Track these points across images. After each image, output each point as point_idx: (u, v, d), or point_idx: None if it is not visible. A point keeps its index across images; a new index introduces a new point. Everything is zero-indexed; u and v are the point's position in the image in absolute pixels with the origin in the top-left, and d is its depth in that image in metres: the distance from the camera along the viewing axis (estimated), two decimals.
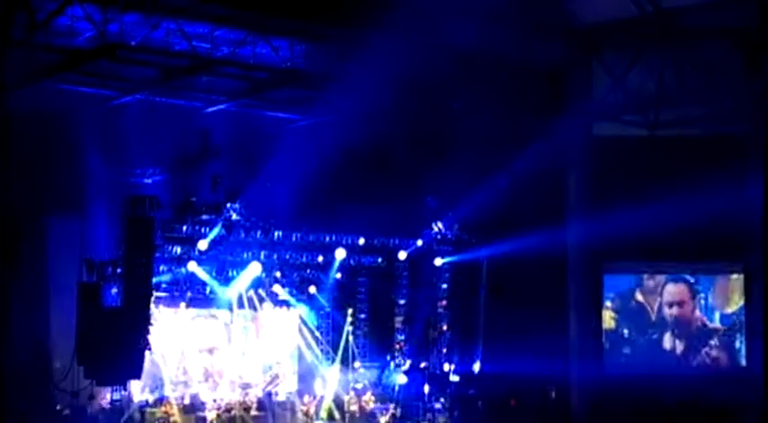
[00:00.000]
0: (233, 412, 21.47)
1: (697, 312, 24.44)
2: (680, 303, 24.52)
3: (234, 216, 21.56)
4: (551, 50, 22.70)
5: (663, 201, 22.65)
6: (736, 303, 24.31)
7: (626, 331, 24.61)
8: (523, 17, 21.55)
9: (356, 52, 19.73)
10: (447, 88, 21.48)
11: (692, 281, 24.46)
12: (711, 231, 22.69)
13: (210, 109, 21.71)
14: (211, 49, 19.10)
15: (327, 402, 22.83)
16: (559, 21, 22.34)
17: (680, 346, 24.35)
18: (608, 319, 24.52)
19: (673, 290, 24.51)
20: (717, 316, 24.43)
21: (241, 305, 22.98)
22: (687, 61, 20.64)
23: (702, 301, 24.41)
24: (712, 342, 24.27)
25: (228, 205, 21.49)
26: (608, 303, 24.56)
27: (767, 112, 18.08)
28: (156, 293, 20.36)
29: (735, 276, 24.29)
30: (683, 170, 22.58)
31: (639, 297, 24.55)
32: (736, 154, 23.17)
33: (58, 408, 19.85)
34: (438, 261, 24.27)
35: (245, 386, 22.61)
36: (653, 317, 24.54)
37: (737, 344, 24.14)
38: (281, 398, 22.70)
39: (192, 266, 21.62)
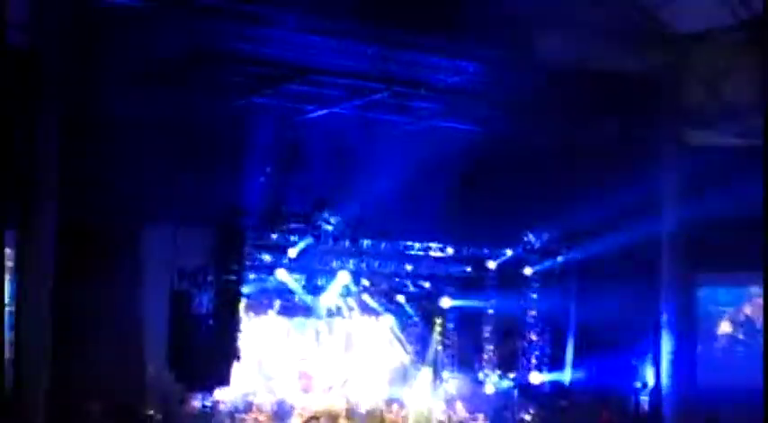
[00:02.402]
0: (321, 420, 21.66)
1: None
2: None
3: (324, 225, 21.70)
4: (646, 60, 22.42)
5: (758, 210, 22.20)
6: None
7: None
8: (617, 27, 21.44)
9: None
10: (545, 103, 21.29)
11: None
12: None
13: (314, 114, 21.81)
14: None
15: (415, 412, 22.86)
16: (654, 30, 22.08)
17: None
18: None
19: None
20: None
21: (330, 314, 23.20)
22: None
23: None
24: None
25: (318, 214, 21.66)
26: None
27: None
28: (245, 301, 20.70)
29: None
30: None
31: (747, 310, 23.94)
32: None
33: (150, 412, 20.26)
34: (528, 270, 24.12)
35: (335, 394, 22.79)
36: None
37: None
38: (368, 406, 22.79)
39: (282, 274, 21.88)
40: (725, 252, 22.76)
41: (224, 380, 19.72)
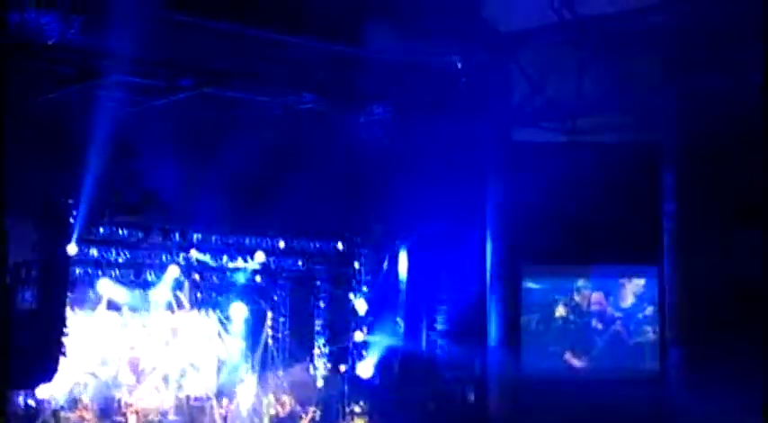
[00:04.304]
0: (150, 417, 21.32)
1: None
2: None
3: (154, 218, 21.35)
4: (470, 58, 22.96)
5: (578, 207, 23.20)
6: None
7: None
8: (441, 25, 21.88)
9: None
10: (371, 98, 21.46)
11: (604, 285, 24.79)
12: (626, 237, 23.19)
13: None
14: None
15: (246, 406, 22.76)
16: (478, 28, 22.62)
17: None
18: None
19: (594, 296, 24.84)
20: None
21: (159, 308, 22.82)
22: (605, 68, 20.96)
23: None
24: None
25: (147, 206, 21.27)
26: None
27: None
28: (72, 296, 20.15)
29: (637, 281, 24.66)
30: (599, 177, 22.97)
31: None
32: (653, 162, 23.78)
33: None
34: (358, 263, 24.35)
35: (163, 390, 22.44)
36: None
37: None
38: (198, 402, 22.55)
39: (108, 270, 21.42)
40: (550, 247, 23.61)
41: (48, 377, 19.17)
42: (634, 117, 22.07)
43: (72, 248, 20.43)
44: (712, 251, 23.88)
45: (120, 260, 21.52)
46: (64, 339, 19.26)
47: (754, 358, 21.97)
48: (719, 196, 24.00)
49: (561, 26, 21.07)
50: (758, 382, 21.44)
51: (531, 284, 24.53)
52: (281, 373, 24.10)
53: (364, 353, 24.31)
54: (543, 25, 21.69)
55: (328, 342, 24.61)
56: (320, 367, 24.41)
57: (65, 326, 19.21)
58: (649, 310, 24.49)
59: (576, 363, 24.39)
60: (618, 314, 24.56)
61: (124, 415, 21.11)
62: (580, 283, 24.53)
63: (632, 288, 24.64)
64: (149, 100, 20.20)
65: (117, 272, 21.93)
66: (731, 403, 21.21)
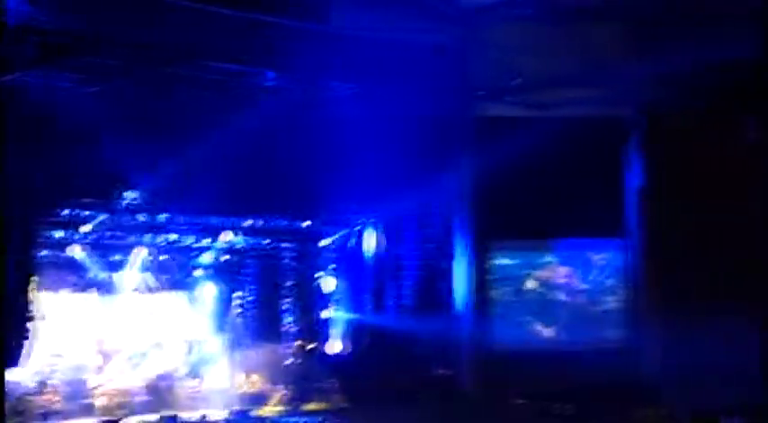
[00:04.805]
0: (119, 398, 21.22)
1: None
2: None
3: (120, 199, 21.10)
4: (434, 33, 22.90)
5: (546, 181, 23.33)
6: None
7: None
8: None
9: None
10: (336, 75, 21.35)
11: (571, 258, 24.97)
12: (591, 211, 23.36)
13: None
14: None
15: (216, 384, 22.74)
16: (443, 3, 22.55)
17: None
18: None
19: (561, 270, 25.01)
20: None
21: (127, 290, 22.70)
22: (572, 42, 20.97)
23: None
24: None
25: (113, 187, 21.03)
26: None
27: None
28: (38, 279, 19.96)
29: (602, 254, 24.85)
30: (565, 151, 23.07)
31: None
32: (618, 136, 23.96)
33: None
34: (325, 241, 24.34)
35: (132, 371, 22.36)
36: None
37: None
38: (169, 382, 22.48)
39: (75, 251, 21.23)
40: (517, 222, 23.73)
41: (14, 361, 18.99)
42: (599, 91, 22.12)
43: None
44: (677, 224, 24.19)
45: (87, 242, 21.31)
46: (30, 323, 19.08)
47: (719, 326, 22.37)
48: (685, 170, 24.27)
49: (526, 0, 21.05)
50: (720, 349, 21.82)
51: (500, 259, 24.66)
52: (249, 351, 24.05)
53: (333, 330, 24.37)
54: (509, 0, 21.67)
55: (297, 320, 24.62)
56: (289, 345, 24.41)
57: (31, 310, 19.00)
58: (613, 281, 24.80)
59: (546, 333, 24.61)
60: (584, 286, 24.79)
61: (93, 397, 21.00)
62: (547, 257, 24.76)
63: (597, 261, 24.86)
64: (109, 80, 19.97)
65: (83, 254, 21.73)
66: (697, 370, 21.61)
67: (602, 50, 19.96)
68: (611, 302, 24.74)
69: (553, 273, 24.73)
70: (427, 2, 22.37)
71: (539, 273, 24.73)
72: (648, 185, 23.89)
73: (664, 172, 23.82)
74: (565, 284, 24.77)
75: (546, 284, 24.72)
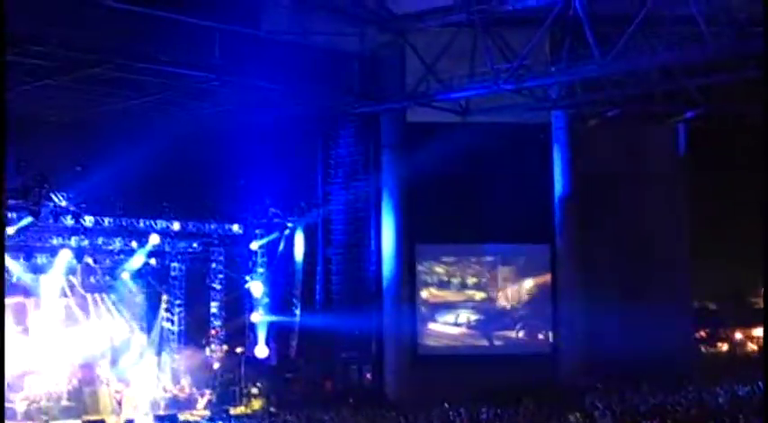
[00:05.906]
0: (42, 403, 20.96)
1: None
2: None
3: (45, 201, 20.81)
4: (367, 39, 23.07)
5: (472, 186, 23.64)
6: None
7: None
8: (337, 5, 21.90)
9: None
10: (262, 76, 21.32)
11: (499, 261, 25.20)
12: (519, 215, 23.66)
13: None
14: None
15: (142, 389, 22.52)
16: (373, 9, 22.70)
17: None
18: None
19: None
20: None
21: (52, 293, 22.41)
22: (496, 49, 21.17)
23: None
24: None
25: (38, 190, 20.76)
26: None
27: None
28: None
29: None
30: (492, 155, 23.38)
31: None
32: (544, 141, 24.33)
33: None
34: (254, 245, 24.32)
35: (55, 376, 22.05)
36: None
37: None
38: (92, 386, 22.23)
39: None
40: (445, 226, 23.96)
41: None
42: (525, 98, 22.39)
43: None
44: (602, 227, 24.64)
45: (10, 244, 20.98)
46: None
47: (646, 325, 22.88)
48: (608, 174, 24.74)
49: (454, 8, 21.26)
50: (645, 346, 22.27)
51: (427, 263, 24.86)
52: (177, 355, 23.91)
53: (260, 334, 24.33)
54: (437, 7, 21.88)
55: (225, 324, 24.55)
56: (217, 349, 24.33)
57: None
58: (535, 285, 25.12)
59: (473, 337, 24.84)
60: (510, 289, 25.06)
61: (13, 402, 20.66)
62: (474, 260, 24.98)
63: (523, 264, 25.17)
64: (38, 81, 19.76)
65: (7, 256, 21.38)
66: (622, 368, 22.02)
67: (527, 57, 20.18)
68: (537, 305, 25.04)
69: (480, 276, 24.96)
70: (359, 7, 22.48)
71: (465, 276, 24.94)
72: (572, 189, 24.30)
73: (587, 176, 24.28)
74: (491, 287, 25.02)
75: (473, 287, 24.95)
